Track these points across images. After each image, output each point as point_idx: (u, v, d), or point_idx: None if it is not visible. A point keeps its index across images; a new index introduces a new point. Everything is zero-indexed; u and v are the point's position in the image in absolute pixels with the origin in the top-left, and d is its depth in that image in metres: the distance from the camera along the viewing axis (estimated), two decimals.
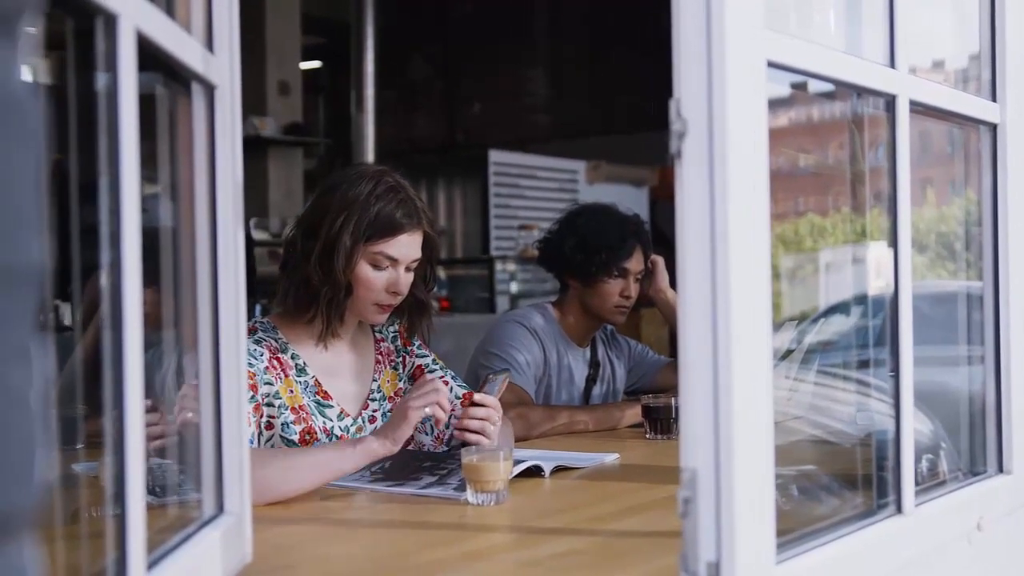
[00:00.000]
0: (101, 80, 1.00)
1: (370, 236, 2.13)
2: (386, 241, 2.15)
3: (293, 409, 2.14)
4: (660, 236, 3.16)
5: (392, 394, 2.33)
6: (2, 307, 0.54)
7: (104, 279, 1.00)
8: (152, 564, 1.08)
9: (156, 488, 1.33)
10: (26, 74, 0.58)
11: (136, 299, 1.01)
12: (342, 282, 2.14)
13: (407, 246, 2.17)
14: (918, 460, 1.61)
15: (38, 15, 0.62)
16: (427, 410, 1.95)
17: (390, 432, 1.96)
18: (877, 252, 1.85)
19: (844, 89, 1.58)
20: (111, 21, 0.98)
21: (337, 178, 2.21)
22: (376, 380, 2.31)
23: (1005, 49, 1.77)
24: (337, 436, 2.18)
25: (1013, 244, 1.78)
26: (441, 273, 7.50)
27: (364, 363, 2.31)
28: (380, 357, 2.34)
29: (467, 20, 9.92)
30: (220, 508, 1.35)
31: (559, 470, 2.13)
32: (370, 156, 8.48)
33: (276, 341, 2.18)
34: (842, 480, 1.70)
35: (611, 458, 2.30)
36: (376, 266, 2.16)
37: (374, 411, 2.28)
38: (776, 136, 1.24)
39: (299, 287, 2.17)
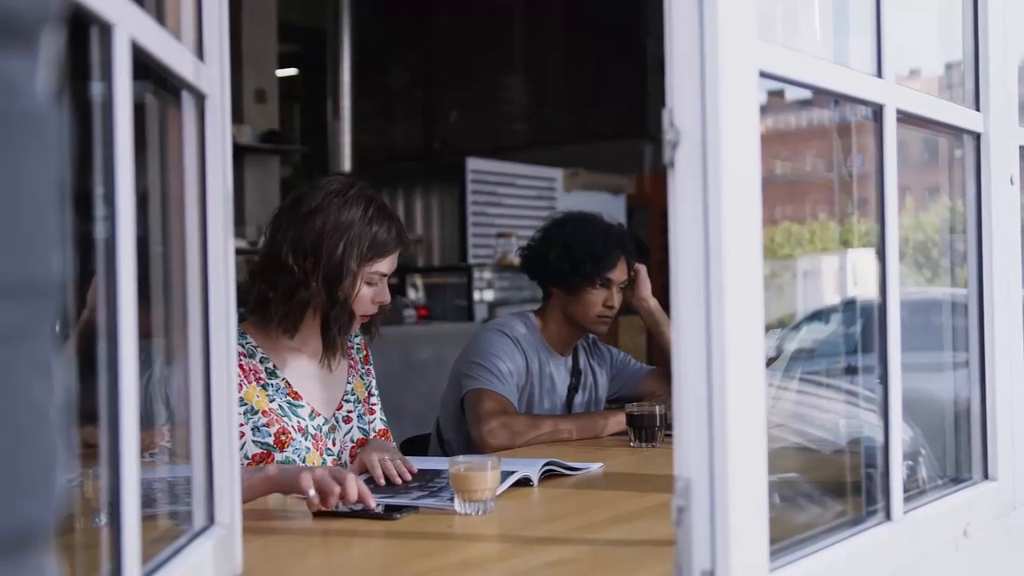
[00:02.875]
0: (95, 88, 1.00)
1: (371, 258, 2.22)
2: (382, 260, 2.25)
3: (264, 412, 2.18)
4: (637, 244, 3.16)
5: (363, 399, 2.41)
6: (24, 320, 0.54)
7: (99, 288, 0.99)
8: None
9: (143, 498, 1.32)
10: (47, 86, 0.58)
11: (131, 308, 1.00)
12: (350, 306, 2.22)
13: (395, 261, 2.29)
14: None
15: (57, 28, 0.61)
16: (311, 493, 1.78)
17: (288, 474, 1.86)
18: (856, 259, 1.86)
19: (824, 97, 1.59)
20: (106, 30, 0.98)
21: (318, 199, 2.22)
22: (350, 383, 2.38)
23: (988, 59, 1.78)
24: (312, 435, 2.24)
25: (997, 251, 1.79)
26: (418, 281, 7.49)
27: (338, 366, 2.36)
28: (352, 362, 2.41)
29: (445, 28, 9.93)
30: (211, 519, 1.34)
31: (548, 477, 2.14)
32: (347, 164, 8.47)
33: (243, 346, 2.20)
34: (829, 488, 1.71)
35: (596, 467, 2.31)
36: (370, 283, 2.25)
37: (348, 411, 2.35)
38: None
39: (299, 309, 2.21)
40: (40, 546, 0.55)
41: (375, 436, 2.40)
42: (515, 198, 8.03)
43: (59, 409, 0.57)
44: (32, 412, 0.54)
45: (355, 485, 1.80)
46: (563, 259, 2.93)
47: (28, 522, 0.54)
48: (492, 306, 7.22)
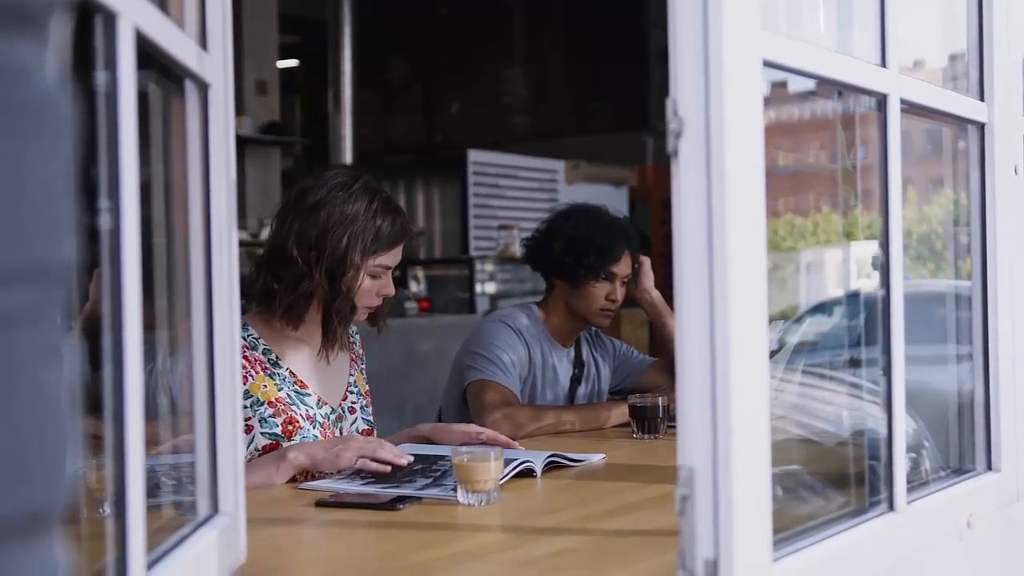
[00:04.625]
0: (100, 77, 0.99)
1: (375, 251, 2.23)
2: (386, 253, 2.26)
3: (270, 403, 2.20)
4: (641, 236, 3.17)
5: (363, 391, 2.43)
6: (34, 305, 0.54)
7: (104, 279, 0.99)
8: (151, 565, 1.07)
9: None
10: (57, 71, 0.58)
11: (135, 299, 1.00)
12: (351, 299, 2.23)
13: (399, 254, 2.29)
14: None
15: (66, 14, 0.61)
16: (357, 464, 2.04)
17: (318, 451, 2.05)
18: (860, 251, 1.86)
19: (829, 88, 1.58)
20: (111, 19, 0.97)
21: (323, 192, 2.23)
22: (352, 375, 2.40)
23: (993, 49, 1.78)
24: (320, 423, 2.26)
25: (1001, 242, 1.79)
26: (420, 273, 7.49)
27: (340, 358, 2.38)
28: (353, 355, 2.44)
29: (445, 20, 9.93)
30: (215, 508, 1.34)
31: (550, 468, 2.14)
32: (348, 157, 8.47)
33: (245, 339, 2.21)
34: (832, 479, 1.71)
35: (598, 458, 2.31)
36: (373, 276, 2.26)
37: (352, 403, 2.38)
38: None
39: (303, 301, 2.23)
40: (49, 531, 0.55)
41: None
42: (517, 190, 8.03)
43: (69, 394, 0.57)
44: (43, 397, 0.54)
45: (385, 453, 2.05)
46: (567, 251, 2.93)
47: (38, 507, 0.54)
48: (494, 298, 7.22)
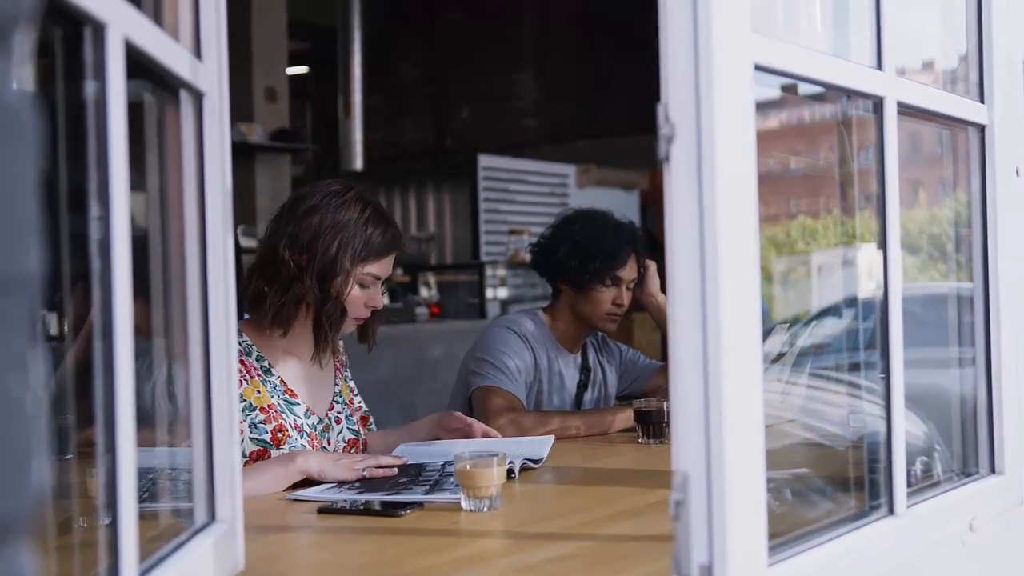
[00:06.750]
0: (89, 88, 1.00)
1: (364, 258, 2.25)
2: (376, 263, 2.27)
3: (262, 409, 2.22)
4: (650, 240, 3.16)
5: (348, 401, 2.45)
6: (0, 314, 0.54)
7: (94, 288, 0.99)
8: (144, 572, 1.07)
9: (144, 495, 1.33)
10: (21, 83, 0.58)
11: (126, 308, 1.00)
12: (341, 303, 2.24)
13: (390, 265, 2.32)
14: (912, 463, 1.62)
15: (32, 25, 0.62)
16: (365, 473, 2.09)
17: (326, 461, 2.08)
18: (868, 254, 1.86)
19: (832, 91, 1.58)
20: (99, 30, 0.98)
21: (317, 198, 2.26)
22: (337, 385, 2.43)
23: (992, 50, 1.77)
24: (307, 433, 2.28)
25: (1002, 245, 1.78)
26: (431, 279, 7.49)
27: (326, 368, 2.39)
28: (338, 365, 2.46)
29: (455, 24, 9.93)
30: (212, 516, 1.34)
31: (555, 472, 2.15)
32: (358, 162, 8.47)
33: (240, 345, 2.22)
34: (835, 482, 1.70)
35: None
36: (362, 285, 2.27)
37: (338, 413, 2.40)
38: (765, 138, 1.24)
39: (292, 304, 2.24)
40: (16, 538, 0.55)
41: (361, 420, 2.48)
42: (527, 195, 8.03)
43: (36, 402, 0.57)
44: (9, 406, 0.55)
45: (385, 460, 2.14)
46: (572, 256, 2.92)
47: (4, 515, 0.54)
48: (504, 303, 7.22)
